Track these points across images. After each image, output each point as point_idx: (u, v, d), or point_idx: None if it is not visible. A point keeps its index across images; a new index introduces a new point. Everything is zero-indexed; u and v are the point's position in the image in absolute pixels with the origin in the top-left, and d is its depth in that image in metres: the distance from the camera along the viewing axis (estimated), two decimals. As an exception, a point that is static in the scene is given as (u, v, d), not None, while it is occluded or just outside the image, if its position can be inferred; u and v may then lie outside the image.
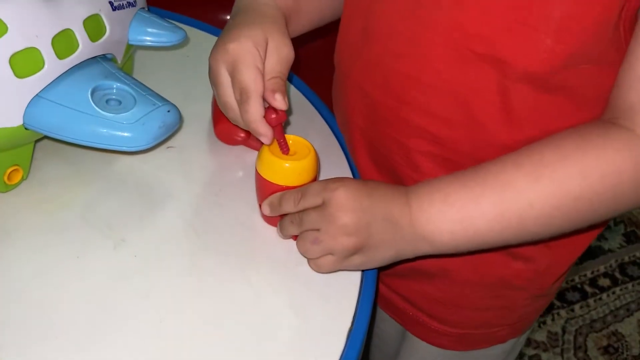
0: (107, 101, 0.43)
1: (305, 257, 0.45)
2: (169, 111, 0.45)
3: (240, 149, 0.54)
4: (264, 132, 0.44)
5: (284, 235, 0.46)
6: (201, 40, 0.67)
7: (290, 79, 0.61)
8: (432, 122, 0.46)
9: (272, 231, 0.48)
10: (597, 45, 0.39)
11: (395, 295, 0.60)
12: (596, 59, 0.40)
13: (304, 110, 0.60)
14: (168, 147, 0.54)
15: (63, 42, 0.42)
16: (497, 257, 0.51)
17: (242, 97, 0.44)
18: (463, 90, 0.44)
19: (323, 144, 0.56)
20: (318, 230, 0.42)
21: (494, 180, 0.40)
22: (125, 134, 0.43)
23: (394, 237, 0.42)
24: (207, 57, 0.66)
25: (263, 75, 0.44)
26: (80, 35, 0.43)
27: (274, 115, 0.44)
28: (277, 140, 0.46)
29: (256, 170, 0.47)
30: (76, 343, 0.39)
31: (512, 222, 0.40)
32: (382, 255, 0.43)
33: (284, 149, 0.46)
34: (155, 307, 0.42)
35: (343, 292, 0.45)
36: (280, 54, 0.45)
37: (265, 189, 0.46)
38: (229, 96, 0.45)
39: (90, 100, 0.42)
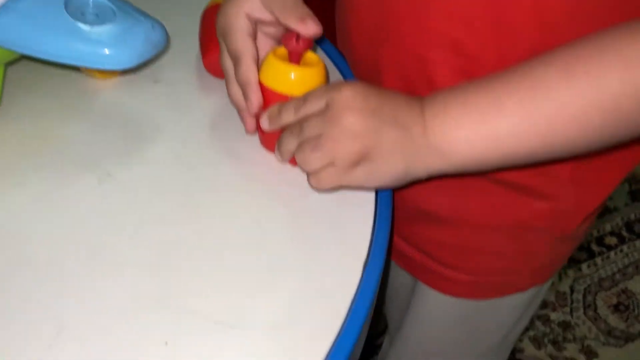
0: (82, 14, 0.39)
1: (304, 169, 0.40)
2: (153, 27, 0.40)
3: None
4: (254, 99, 0.41)
5: (283, 152, 0.41)
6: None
7: (320, 42, 0.55)
8: (455, 27, 0.40)
9: (272, 163, 0.43)
10: None
11: (403, 243, 0.55)
12: None
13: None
14: (155, 81, 0.49)
15: (31, -52, 0.37)
16: (515, 196, 0.46)
17: (234, 61, 0.42)
18: None
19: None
20: (320, 137, 0.37)
21: (520, 80, 0.35)
22: (107, 51, 0.38)
23: (404, 147, 0.37)
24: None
25: (255, 39, 0.43)
26: (50, -59, 0.38)
27: (294, 41, 0.40)
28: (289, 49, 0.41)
29: (259, 79, 0.42)
30: (61, 285, 0.35)
31: (541, 126, 0.35)
32: (389, 169, 0.38)
33: (294, 58, 0.41)
34: (148, 244, 0.37)
35: (356, 222, 0.40)
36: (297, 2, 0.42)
37: (267, 99, 0.42)
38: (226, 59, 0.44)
39: (65, 12, 0.37)
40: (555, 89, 0.34)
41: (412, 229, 0.53)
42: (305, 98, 0.39)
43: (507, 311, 0.56)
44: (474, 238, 0.50)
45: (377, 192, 0.43)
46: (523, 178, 0.44)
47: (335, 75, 0.52)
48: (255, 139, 0.45)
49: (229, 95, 0.44)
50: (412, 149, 0.37)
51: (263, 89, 0.42)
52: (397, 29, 0.44)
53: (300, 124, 0.39)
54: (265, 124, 0.41)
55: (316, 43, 0.55)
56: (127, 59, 0.38)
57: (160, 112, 0.47)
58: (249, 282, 0.36)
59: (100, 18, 0.38)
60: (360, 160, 0.37)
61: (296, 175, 0.42)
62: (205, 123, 0.46)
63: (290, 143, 0.40)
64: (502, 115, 0.35)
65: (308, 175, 0.40)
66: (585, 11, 0.38)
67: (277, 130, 0.41)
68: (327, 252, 0.38)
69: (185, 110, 0.47)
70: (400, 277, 0.61)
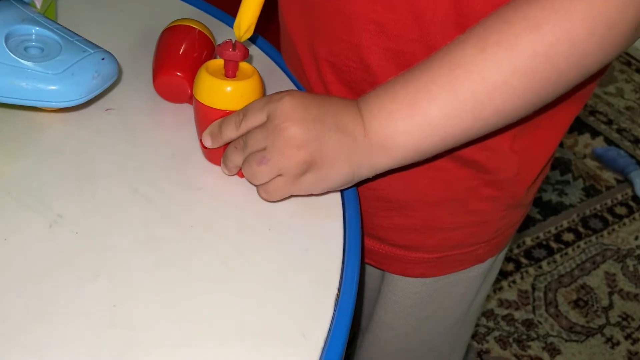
0: (25, 49, 0.36)
1: (252, 183, 0.40)
2: (103, 59, 0.38)
3: (189, 108, 0.48)
4: None
5: (229, 167, 0.41)
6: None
7: (254, 39, 0.55)
8: (375, 9, 0.41)
9: (237, 194, 0.42)
10: None
11: (367, 238, 0.56)
12: None
13: (267, 68, 0.54)
14: (107, 110, 0.46)
15: (-36, -22, 0.34)
16: (465, 170, 0.48)
17: None
18: None
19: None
20: (264, 149, 0.38)
21: (441, 64, 0.37)
22: (53, 87, 0.35)
23: (348, 151, 0.38)
24: (145, 9, 0.59)
25: None
26: (-14, -30, 0.35)
27: (230, 50, 0.39)
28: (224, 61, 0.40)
29: (194, 97, 0.41)
30: (11, 339, 0.32)
31: (468, 102, 0.36)
32: (336, 173, 0.39)
33: (231, 68, 0.40)
34: (105, 289, 0.35)
35: (325, 254, 0.39)
36: None
37: (205, 117, 0.41)
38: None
39: (5, 47, 0.35)
40: (474, 64, 0.36)
41: (374, 221, 0.54)
42: (245, 112, 0.39)
43: (467, 284, 0.59)
44: (432, 216, 0.52)
45: (343, 199, 0.42)
46: (469, 154, 0.46)
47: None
48: (214, 166, 0.43)
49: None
50: (356, 152, 0.38)
51: (200, 106, 0.40)
52: (324, 18, 0.44)
53: (243, 138, 0.39)
54: (207, 142, 0.41)
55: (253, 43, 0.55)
56: (75, 95, 0.36)
57: (114, 144, 0.44)
58: (211, 326, 0.34)
59: (45, 52, 0.36)
60: (307, 168, 0.38)
61: (261, 204, 0.41)
62: (161, 152, 0.44)
63: (235, 158, 0.40)
64: (431, 99, 0.37)
65: (257, 188, 0.40)
66: None
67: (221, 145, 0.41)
68: (295, 286, 0.37)
69: (142, 139, 0.45)
70: (367, 269, 0.62)
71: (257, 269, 0.38)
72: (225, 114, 0.40)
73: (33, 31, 0.36)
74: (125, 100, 0.47)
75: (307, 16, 0.47)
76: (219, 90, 0.40)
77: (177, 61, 0.46)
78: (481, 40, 0.36)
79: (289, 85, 0.51)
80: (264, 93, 0.43)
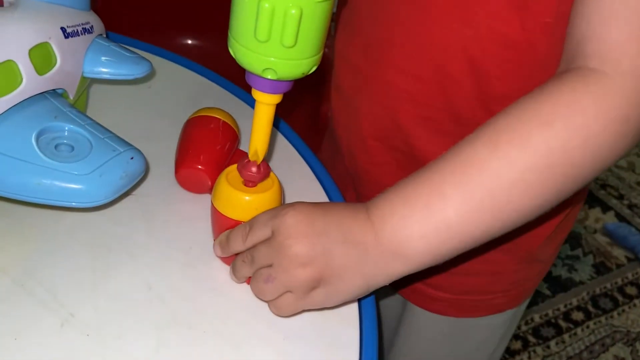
0: (56, 146, 0.36)
1: (261, 300, 0.39)
2: (132, 158, 0.37)
3: (209, 198, 0.47)
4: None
5: (238, 278, 0.40)
6: (164, 69, 0.60)
7: (277, 124, 0.55)
8: (407, 80, 0.46)
9: (252, 298, 0.41)
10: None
11: None
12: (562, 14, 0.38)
13: (287, 155, 0.54)
14: (128, 195, 0.46)
15: (3, 76, 0.34)
16: None
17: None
18: (430, 47, 0.44)
19: (306, 189, 0.50)
20: (271, 266, 0.37)
21: (452, 165, 0.36)
22: (79, 187, 0.35)
23: (358, 262, 0.37)
24: (171, 89, 0.59)
25: None
26: (25, 67, 0.35)
27: (254, 169, 0.39)
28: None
29: (211, 203, 0.41)
30: None
31: (485, 201, 0.35)
32: (347, 286, 0.37)
33: (250, 181, 0.40)
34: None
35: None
36: None
37: (221, 224, 0.41)
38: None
39: (35, 147, 0.34)
40: (487, 162, 0.35)
41: None
42: (251, 226, 0.38)
43: (487, 331, 0.59)
44: (450, 260, 0.52)
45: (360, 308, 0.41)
46: None
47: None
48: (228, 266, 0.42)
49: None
50: (368, 262, 0.37)
51: (216, 212, 0.40)
52: (368, 85, 0.50)
53: (250, 252, 0.38)
54: (217, 251, 0.41)
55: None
56: (102, 196, 0.36)
57: (132, 233, 0.43)
58: None
59: (75, 151, 0.36)
60: (315, 284, 0.37)
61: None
62: (182, 246, 0.43)
63: (243, 271, 0.39)
64: (446, 202, 0.35)
65: (268, 303, 0.39)
66: (513, 67, 0.43)
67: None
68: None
69: (161, 230, 0.44)
70: (388, 298, 0.64)
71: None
72: (239, 224, 0.40)
73: (66, 128, 0.36)
74: (147, 186, 0.47)
75: (353, 77, 0.51)
76: (235, 200, 0.39)
77: (199, 154, 0.45)
78: (493, 139, 0.35)
79: (308, 175, 0.51)
80: (282, 203, 0.42)
